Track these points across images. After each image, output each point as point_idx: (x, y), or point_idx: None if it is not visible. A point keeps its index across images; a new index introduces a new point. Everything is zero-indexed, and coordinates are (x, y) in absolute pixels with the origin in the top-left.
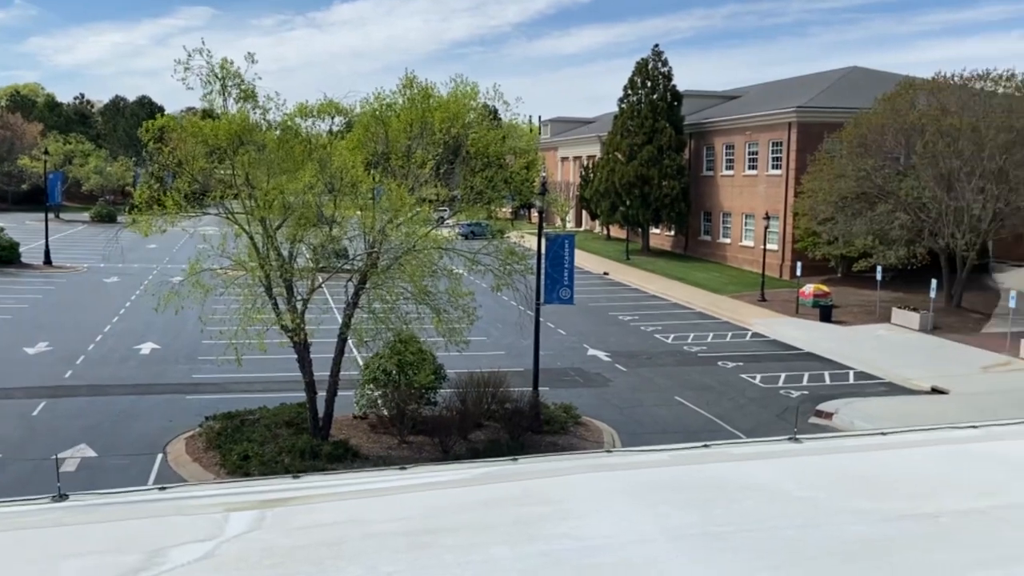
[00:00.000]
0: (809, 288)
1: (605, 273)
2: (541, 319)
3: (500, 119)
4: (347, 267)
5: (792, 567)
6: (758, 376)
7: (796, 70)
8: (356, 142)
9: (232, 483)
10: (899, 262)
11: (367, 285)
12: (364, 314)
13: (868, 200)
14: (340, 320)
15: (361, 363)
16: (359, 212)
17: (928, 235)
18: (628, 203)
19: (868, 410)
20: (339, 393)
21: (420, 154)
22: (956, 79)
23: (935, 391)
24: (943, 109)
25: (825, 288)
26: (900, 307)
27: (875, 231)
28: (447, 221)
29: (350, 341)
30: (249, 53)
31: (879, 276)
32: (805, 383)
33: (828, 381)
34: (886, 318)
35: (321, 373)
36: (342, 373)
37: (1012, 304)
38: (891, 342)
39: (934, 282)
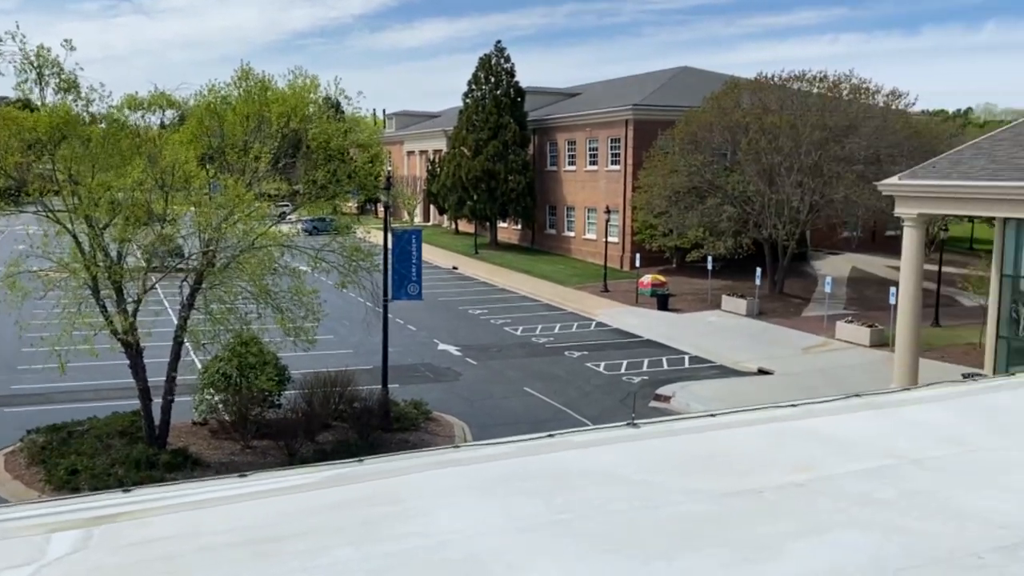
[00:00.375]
0: (647, 278)
1: (454, 267)
2: (390, 315)
3: (343, 113)
4: (182, 267)
5: (630, 547)
6: (602, 364)
7: (632, 69)
8: (190, 136)
9: (57, 501)
10: (728, 252)
11: (203, 285)
12: (201, 315)
13: (699, 194)
14: (176, 322)
15: (200, 367)
16: (193, 209)
17: (753, 226)
18: (475, 197)
19: (702, 392)
20: (177, 399)
21: (258, 148)
22: (776, 79)
23: (761, 372)
24: (765, 108)
25: (662, 278)
26: (729, 294)
27: (706, 223)
28: (289, 217)
29: (187, 344)
30: (66, 39)
31: (710, 265)
32: (645, 369)
33: (666, 366)
34: (717, 305)
35: (157, 379)
36: (179, 378)
37: (828, 289)
38: (722, 327)
39: (759, 270)
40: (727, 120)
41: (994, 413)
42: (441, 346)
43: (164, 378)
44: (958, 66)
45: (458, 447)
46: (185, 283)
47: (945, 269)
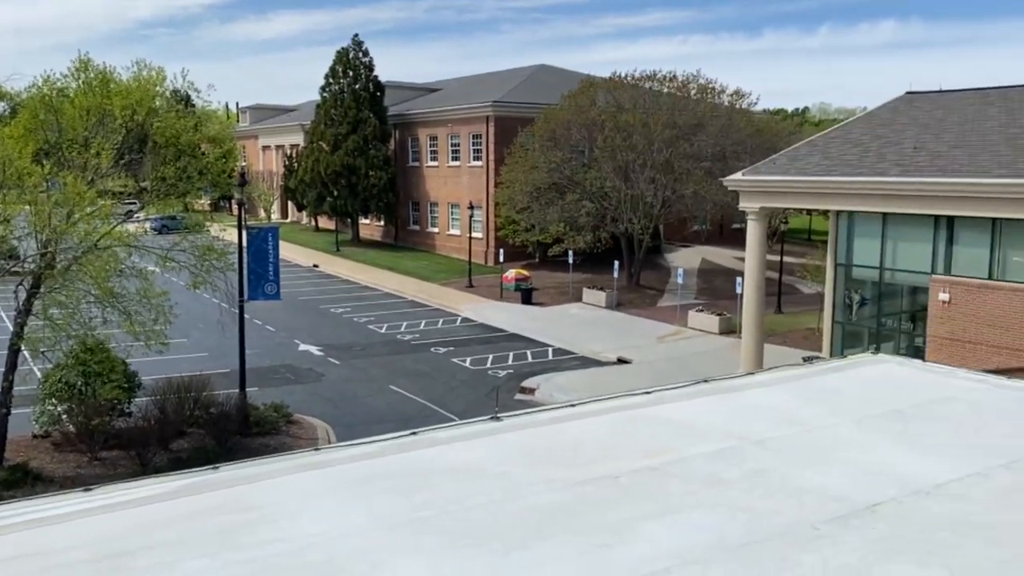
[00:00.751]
0: (511, 273)
1: (315, 265)
2: (248, 316)
3: (193, 106)
4: (17, 270)
5: (491, 540)
6: (468, 359)
7: (492, 65)
8: (23, 130)
9: None
10: (587, 246)
11: (42, 289)
12: (40, 322)
13: (559, 190)
14: (11, 329)
15: (40, 376)
16: (28, 208)
17: (610, 221)
18: (336, 193)
19: (565, 383)
20: (14, 411)
21: (99, 143)
22: (629, 79)
23: (620, 361)
24: (619, 107)
25: (525, 272)
26: (590, 287)
27: (566, 218)
28: (137, 215)
29: (24, 352)
30: None
31: (571, 259)
32: (511, 362)
33: (531, 359)
34: (578, 298)
35: None
36: (16, 388)
37: (680, 280)
38: (583, 319)
39: (616, 263)
40: (584, 118)
41: (829, 394)
42: (302, 346)
43: None
44: (796, 67)
45: (319, 449)
46: (21, 287)
47: (786, 259)
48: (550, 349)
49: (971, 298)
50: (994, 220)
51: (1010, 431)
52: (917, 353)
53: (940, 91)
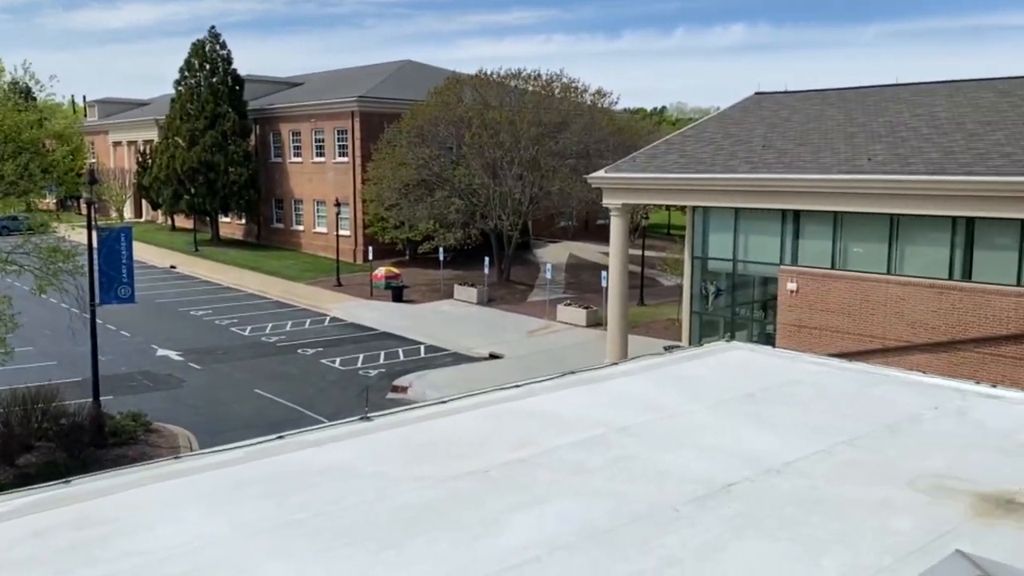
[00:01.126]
0: (381, 271)
1: (172, 267)
2: (101, 321)
3: (35, 99)
4: None
5: (363, 540)
6: (338, 360)
7: (356, 60)
8: None
9: None
10: (457, 243)
11: None
12: None
13: (428, 187)
14: None
15: None
16: None
17: (480, 218)
18: (193, 191)
19: (437, 380)
20: None
21: None
22: (495, 76)
23: (492, 356)
24: (486, 104)
25: (395, 270)
26: (461, 284)
27: (435, 215)
28: None
29: None
30: None
31: (441, 256)
32: (382, 361)
33: (403, 357)
34: (449, 295)
35: None
36: None
37: (548, 276)
38: (454, 316)
39: (487, 260)
40: (451, 115)
41: (687, 381)
42: (160, 352)
43: None
44: (654, 67)
45: (180, 457)
46: None
47: (648, 253)
48: (422, 347)
49: (816, 287)
50: (835, 214)
51: (850, 411)
52: (768, 340)
53: (786, 92)
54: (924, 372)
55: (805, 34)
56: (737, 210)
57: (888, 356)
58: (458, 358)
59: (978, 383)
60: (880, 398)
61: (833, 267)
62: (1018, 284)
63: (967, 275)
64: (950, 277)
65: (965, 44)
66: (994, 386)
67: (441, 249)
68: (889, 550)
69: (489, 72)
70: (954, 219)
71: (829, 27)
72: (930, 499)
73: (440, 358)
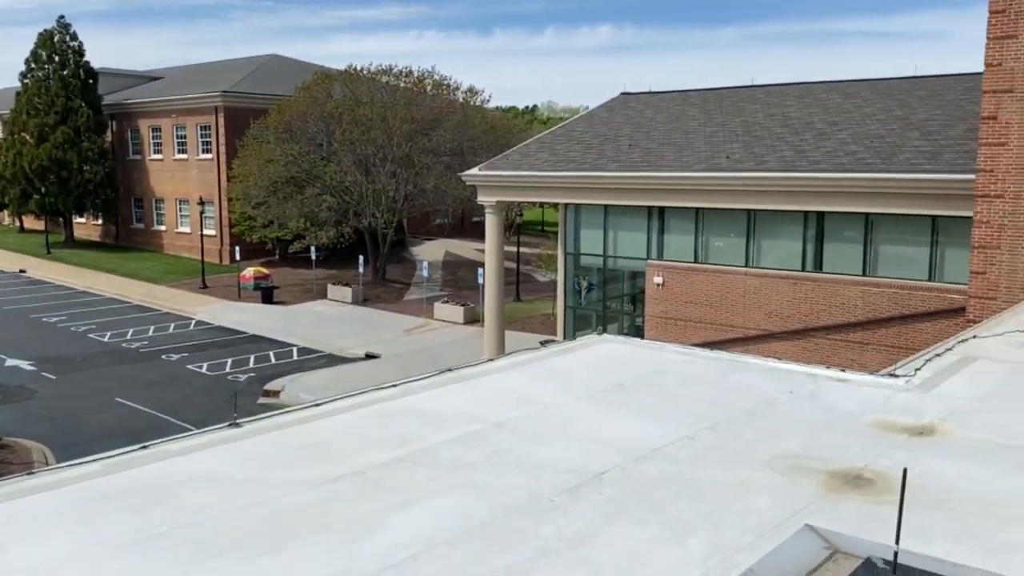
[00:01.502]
0: (249, 272)
1: (22, 271)
2: None
3: None
4: None
5: (235, 549)
6: (205, 365)
7: (221, 54)
8: None
9: None
10: (330, 242)
11: None
12: None
13: (298, 184)
14: None
15: None
16: None
17: (353, 215)
18: (44, 190)
19: (311, 382)
20: None
21: None
22: (366, 72)
23: (369, 356)
24: (356, 100)
25: (265, 270)
26: (334, 283)
27: (306, 213)
28: None
29: None
30: None
31: (313, 256)
32: (252, 365)
33: (274, 360)
34: (323, 295)
35: None
36: None
37: (425, 274)
38: (328, 316)
39: (361, 258)
40: (321, 110)
41: (561, 374)
42: (10, 361)
43: None
44: (525, 66)
45: (34, 473)
46: None
47: (523, 250)
48: (295, 349)
49: (681, 280)
50: (697, 210)
51: (713, 397)
52: (638, 332)
53: (650, 92)
54: (780, 359)
55: (668, 36)
56: (607, 207)
57: (748, 344)
58: (333, 359)
59: (828, 368)
60: (740, 384)
61: (696, 261)
62: (864, 274)
63: (818, 267)
64: (803, 269)
65: (814, 47)
66: (843, 370)
67: (313, 248)
68: (750, 529)
69: (359, 68)
70: (806, 214)
71: (690, 29)
72: (786, 479)
73: (314, 360)
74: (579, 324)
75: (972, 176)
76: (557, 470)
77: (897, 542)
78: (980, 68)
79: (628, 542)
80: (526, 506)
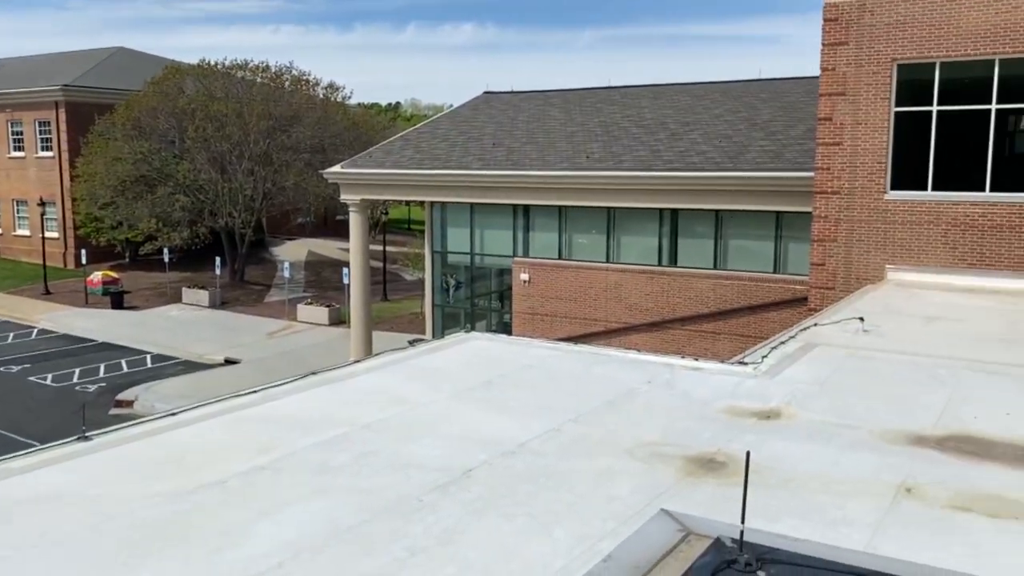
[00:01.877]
0: (97, 276)
1: None
2: None
3: None
4: None
5: (86, 571)
6: (50, 376)
7: (62, 45)
8: None
9: None
10: (184, 243)
11: None
12: None
13: (148, 183)
14: None
15: None
16: None
17: (209, 215)
18: None
19: (167, 391)
20: None
21: None
22: (220, 67)
23: (228, 362)
24: (210, 95)
25: (114, 274)
26: (190, 286)
27: (158, 214)
28: None
29: None
30: None
31: (167, 258)
32: (103, 375)
33: (126, 369)
34: (178, 298)
35: None
36: None
37: (287, 274)
38: (184, 321)
39: (219, 260)
40: (172, 106)
41: (430, 372)
42: None
43: None
44: (387, 63)
45: None
46: None
47: (389, 249)
48: (148, 356)
49: (546, 277)
50: (560, 208)
51: (577, 389)
52: (506, 328)
53: (512, 92)
54: (640, 350)
55: (529, 36)
56: (472, 205)
57: (610, 337)
58: (190, 366)
59: (684, 357)
60: (602, 376)
61: (560, 258)
62: (715, 268)
63: (673, 261)
64: (659, 264)
65: (665, 50)
66: (697, 359)
67: (166, 250)
68: (613, 515)
69: (213, 62)
70: (661, 211)
71: (551, 30)
72: (646, 465)
73: (170, 367)
74: (447, 322)
75: (811, 174)
76: (426, 469)
77: (743, 521)
78: (818, 72)
79: (496, 536)
80: (395, 506)
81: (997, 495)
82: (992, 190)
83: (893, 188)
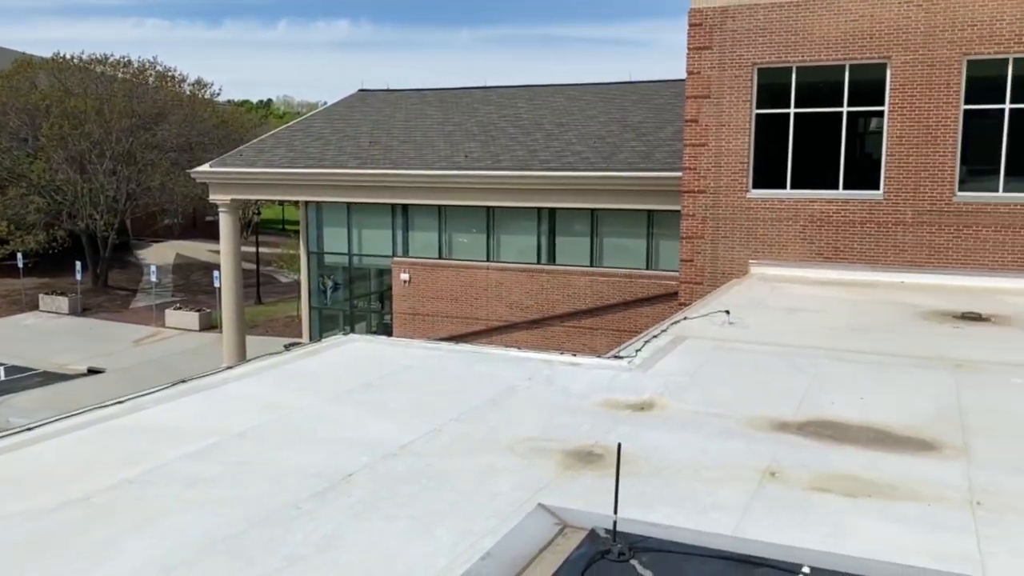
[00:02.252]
0: None
1: None
2: None
3: None
4: None
5: None
6: None
7: None
8: None
9: None
10: (40, 247)
11: None
12: None
13: None
14: None
15: None
16: None
17: (68, 217)
18: None
19: (24, 404)
20: None
21: None
22: (77, 61)
23: (92, 372)
24: (67, 90)
25: None
26: (48, 293)
27: (10, 216)
28: None
29: None
30: None
31: (20, 263)
32: None
33: None
34: (35, 306)
35: None
36: None
37: (154, 278)
38: (42, 330)
39: (79, 264)
40: (24, 102)
41: (306, 377)
42: None
43: None
44: (258, 59)
45: None
46: None
47: (263, 250)
48: (2, 368)
49: (426, 276)
50: (440, 207)
51: (458, 388)
52: (387, 329)
53: (388, 90)
54: (520, 347)
55: (405, 34)
56: (349, 205)
57: (492, 335)
58: (49, 377)
59: (563, 353)
60: (484, 374)
61: (441, 257)
62: (591, 265)
63: (552, 259)
64: (539, 262)
65: (540, 50)
66: (575, 355)
67: (20, 255)
68: (495, 513)
69: (69, 56)
70: (539, 210)
71: (428, 29)
72: (526, 461)
73: (26, 379)
74: (326, 325)
75: (680, 174)
76: (304, 475)
77: (616, 512)
78: (684, 75)
79: (377, 539)
80: (272, 516)
81: (854, 475)
82: (845, 188)
83: (755, 187)
